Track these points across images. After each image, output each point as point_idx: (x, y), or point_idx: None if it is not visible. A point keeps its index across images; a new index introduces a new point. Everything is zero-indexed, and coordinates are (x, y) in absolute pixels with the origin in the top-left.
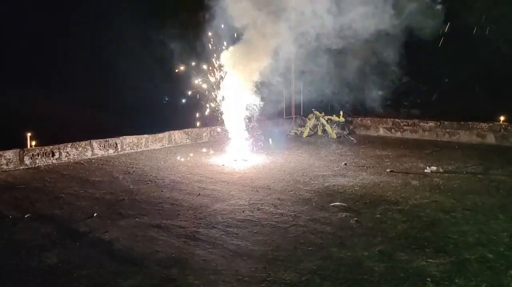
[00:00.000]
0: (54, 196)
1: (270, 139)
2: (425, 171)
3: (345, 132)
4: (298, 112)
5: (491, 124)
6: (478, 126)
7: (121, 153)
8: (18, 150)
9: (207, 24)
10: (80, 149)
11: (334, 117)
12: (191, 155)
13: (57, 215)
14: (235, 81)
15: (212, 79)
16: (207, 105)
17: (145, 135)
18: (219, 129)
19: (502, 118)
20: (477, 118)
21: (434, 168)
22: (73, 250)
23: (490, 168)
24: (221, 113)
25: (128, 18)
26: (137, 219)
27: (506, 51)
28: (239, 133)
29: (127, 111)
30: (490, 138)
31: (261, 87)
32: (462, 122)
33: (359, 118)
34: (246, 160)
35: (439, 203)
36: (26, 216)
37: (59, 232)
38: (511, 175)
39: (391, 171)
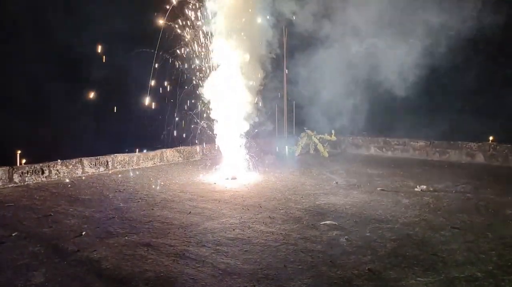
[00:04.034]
0: (42, 214)
1: (266, 160)
2: (415, 189)
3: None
4: (290, 131)
5: (480, 144)
6: (467, 146)
7: (112, 171)
8: (8, 167)
9: None
10: (71, 166)
11: (326, 136)
12: (183, 173)
13: (45, 234)
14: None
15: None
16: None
17: (136, 153)
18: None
19: (491, 138)
20: (467, 138)
21: (424, 187)
22: (61, 269)
23: (479, 187)
24: (209, 109)
25: None
26: (126, 238)
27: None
28: (233, 150)
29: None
30: (480, 158)
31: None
32: (452, 142)
33: (351, 137)
34: (236, 178)
35: (429, 222)
36: (13, 235)
37: (47, 250)
38: (500, 194)
39: (381, 190)
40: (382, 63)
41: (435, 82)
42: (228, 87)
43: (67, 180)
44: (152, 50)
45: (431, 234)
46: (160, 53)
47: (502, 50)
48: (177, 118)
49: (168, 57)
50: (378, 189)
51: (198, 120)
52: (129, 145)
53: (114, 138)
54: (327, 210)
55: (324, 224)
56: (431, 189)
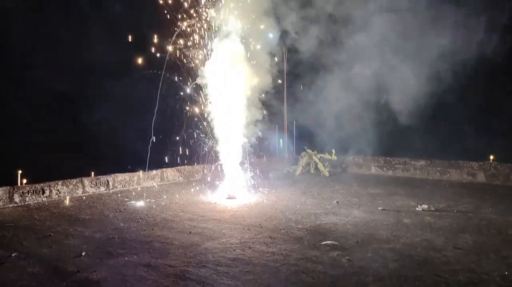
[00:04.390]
0: (42, 235)
1: (267, 179)
2: (417, 209)
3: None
4: (291, 150)
5: (481, 163)
6: (468, 165)
7: (112, 190)
8: (8, 187)
9: None
10: (71, 186)
11: (326, 156)
12: (183, 192)
13: (45, 254)
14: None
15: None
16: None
17: (137, 173)
18: (212, 167)
19: (491, 157)
20: (467, 157)
21: (425, 206)
22: None
23: (480, 207)
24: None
25: None
26: (126, 258)
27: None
28: (233, 169)
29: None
30: (481, 177)
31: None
32: (453, 161)
33: (351, 157)
34: (236, 198)
35: (431, 242)
36: (13, 255)
37: (47, 271)
38: (502, 213)
39: (383, 209)
40: (384, 84)
41: (437, 102)
42: (231, 105)
43: (68, 200)
44: (159, 72)
45: (433, 254)
46: (167, 75)
47: (505, 72)
48: (177, 137)
49: (174, 78)
50: (379, 208)
51: (203, 138)
52: (131, 163)
53: (117, 156)
54: (328, 229)
55: (325, 244)
56: (433, 209)
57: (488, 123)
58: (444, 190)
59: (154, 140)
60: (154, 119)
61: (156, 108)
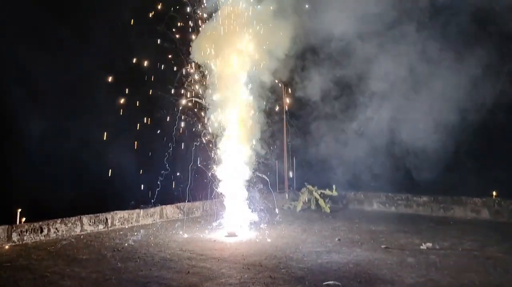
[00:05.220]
0: (39, 275)
1: (267, 216)
2: (421, 247)
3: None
4: (291, 186)
5: (484, 199)
6: (471, 202)
7: (111, 228)
8: (7, 226)
9: None
10: (70, 224)
11: (327, 191)
12: (183, 229)
13: None
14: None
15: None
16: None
17: (136, 210)
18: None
19: (494, 193)
20: (471, 193)
21: (429, 244)
22: None
23: (486, 245)
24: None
25: None
26: None
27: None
28: (233, 206)
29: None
30: (485, 214)
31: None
32: (456, 197)
33: (352, 193)
34: (236, 235)
35: (436, 282)
36: None
37: None
38: (507, 252)
39: (386, 247)
40: (384, 121)
41: (443, 140)
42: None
43: (66, 239)
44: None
45: None
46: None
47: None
48: (178, 173)
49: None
50: (382, 246)
51: (209, 170)
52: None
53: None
54: (330, 269)
55: (327, 285)
56: (437, 247)
57: (489, 158)
58: (448, 227)
59: (165, 171)
60: (167, 153)
61: (173, 146)
